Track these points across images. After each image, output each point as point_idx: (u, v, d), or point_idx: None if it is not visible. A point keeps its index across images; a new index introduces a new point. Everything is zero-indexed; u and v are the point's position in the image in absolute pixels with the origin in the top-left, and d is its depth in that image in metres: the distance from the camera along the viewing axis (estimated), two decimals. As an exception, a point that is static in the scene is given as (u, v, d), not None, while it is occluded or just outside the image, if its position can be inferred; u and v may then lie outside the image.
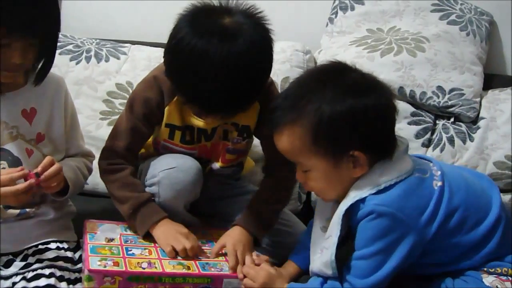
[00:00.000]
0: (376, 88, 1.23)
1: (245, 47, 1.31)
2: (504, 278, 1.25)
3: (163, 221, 1.47)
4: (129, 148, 1.55)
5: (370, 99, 1.19)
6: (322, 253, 1.29)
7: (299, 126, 1.21)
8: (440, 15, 2.14)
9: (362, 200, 1.21)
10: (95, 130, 1.98)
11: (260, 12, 1.40)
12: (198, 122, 1.53)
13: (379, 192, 1.20)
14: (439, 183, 1.24)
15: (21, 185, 1.29)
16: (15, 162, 1.40)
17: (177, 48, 1.36)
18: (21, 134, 1.42)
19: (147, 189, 1.53)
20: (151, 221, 1.47)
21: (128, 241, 1.47)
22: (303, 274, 1.43)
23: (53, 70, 1.87)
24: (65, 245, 1.46)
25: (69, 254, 1.44)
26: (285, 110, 1.24)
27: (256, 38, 1.34)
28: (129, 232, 1.52)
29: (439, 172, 1.27)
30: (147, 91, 1.51)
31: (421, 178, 1.24)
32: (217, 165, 1.63)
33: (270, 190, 1.57)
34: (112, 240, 1.46)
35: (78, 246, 1.51)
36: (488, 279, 1.24)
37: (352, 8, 2.19)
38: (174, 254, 1.41)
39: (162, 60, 1.47)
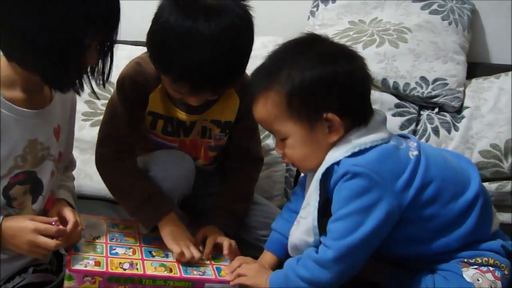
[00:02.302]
0: (347, 55, 1.26)
1: (230, 22, 1.34)
2: (485, 269, 1.24)
3: (171, 219, 1.46)
4: (127, 132, 1.53)
5: (341, 65, 1.21)
6: (299, 223, 1.30)
7: (273, 92, 1.24)
8: (421, 5, 2.14)
9: (337, 163, 1.22)
10: (77, 131, 1.93)
11: None
12: (179, 113, 1.54)
13: (354, 154, 1.21)
14: (415, 153, 1.24)
15: (53, 242, 1.23)
16: (36, 185, 1.30)
17: (163, 30, 1.36)
18: (50, 155, 1.32)
19: None
20: (160, 213, 1.46)
21: (113, 239, 1.46)
22: (281, 261, 1.42)
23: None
24: (43, 267, 1.40)
25: (46, 277, 1.39)
26: (259, 80, 1.27)
27: (240, 12, 1.37)
28: (116, 229, 1.51)
29: (415, 144, 1.27)
30: (135, 75, 1.51)
31: (396, 147, 1.24)
32: (199, 162, 1.63)
33: (239, 188, 1.62)
34: (97, 237, 1.44)
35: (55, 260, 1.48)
36: (468, 273, 1.23)
37: (333, 1, 2.19)
38: (181, 257, 1.40)
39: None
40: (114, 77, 1.93)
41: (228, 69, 1.37)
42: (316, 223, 1.24)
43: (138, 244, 1.46)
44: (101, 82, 1.29)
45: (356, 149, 1.21)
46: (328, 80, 1.20)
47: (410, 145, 1.27)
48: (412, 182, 1.20)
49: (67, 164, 1.51)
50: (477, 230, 1.25)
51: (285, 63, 1.24)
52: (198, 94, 1.42)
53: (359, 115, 1.24)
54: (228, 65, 1.36)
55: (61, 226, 1.27)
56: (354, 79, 1.23)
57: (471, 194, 1.25)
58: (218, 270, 1.41)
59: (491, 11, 2.23)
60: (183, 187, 1.53)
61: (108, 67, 1.28)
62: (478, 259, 1.24)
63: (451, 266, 1.26)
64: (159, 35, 1.38)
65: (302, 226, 1.29)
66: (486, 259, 1.24)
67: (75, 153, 1.92)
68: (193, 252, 1.40)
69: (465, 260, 1.25)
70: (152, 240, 1.48)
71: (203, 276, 1.37)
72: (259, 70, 1.29)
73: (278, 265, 1.41)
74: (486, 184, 1.86)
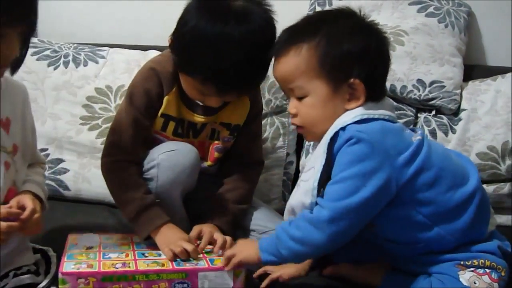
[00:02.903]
0: (379, 33, 1.31)
1: (258, 25, 1.39)
2: (482, 271, 1.24)
3: (165, 226, 1.47)
4: (133, 142, 1.54)
5: (375, 39, 1.28)
6: (299, 186, 1.31)
7: (308, 46, 1.26)
8: (418, 8, 2.14)
9: (344, 128, 1.23)
10: (75, 135, 1.96)
11: None
12: (193, 116, 1.57)
13: (361, 122, 1.23)
14: (419, 137, 1.25)
15: (4, 223, 1.23)
16: None
17: (193, 33, 1.40)
18: (2, 146, 1.33)
19: (145, 174, 1.53)
20: (154, 226, 1.46)
21: (107, 247, 1.46)
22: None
23: (31, 76, 1.84)
24: (24, 270, 1.39)
25: (26, 280, 1.37)
26: (292, 35, 1.30)
27: (265, 16, 1.43)
28: (110, 241, 1.51)
29: (419, 131, 1.29)
30: (146, 82, 1.53)
31: (402, 128, 1.28)
32: (205, 164, 1.64)
33: (239, 190, 1.63)
34: (91, 247, 1.45)
35: (38, 264, 1.47)
36: (465, 276, 1.23)
37: (330, 4, 2.18)
38: (174, 258, 1.40)
39: (144, 61, 1.53)
40: (114, 83, 1.98)
41: (255, 72, 1.42)
42: (316, 183, 1.24)
43: (131, 249, 1.46)
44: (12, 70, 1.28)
45: (364, 116, 1.23)
46: (363, 49, 1.25)
47: (413, 132, 1.29)
48: (413, 162, 1.21)
49: (33, 161, 1.50)
50: (473, 227, 1.25)
51: (321, 24, 1.27)
52: (224, 96, 1.47)
53: (378, 90, 1.28)
54: (255, 67, 1.41)
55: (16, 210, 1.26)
56: (384, 55, 1.29)
57: (469, 188, 1.25)
58: (211, 260, 1.40)
59: (487, 13, 2.23)
60: (189, 178, 1.53)
61: (23, 58, 1.27)
62: (474, 261, 1.24)
63: (447, 269, 1.25)
64: (188, 38, 1.42)
65: (302, 188, 1.29)
66: (483, 261, 1.24)
67: (74, 157, 1.94)
68: (185, 246, 1.40)
69: (462, 262, 1.25)
70: (146, 246, 1.48)
71: (197, 266, 1.37)
72: (291, 28, 1.33)
73: None
74: (483, 187, 1.86)
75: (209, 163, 1.66)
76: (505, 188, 1.88)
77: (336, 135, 1.24)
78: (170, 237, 1.45)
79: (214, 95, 1.46)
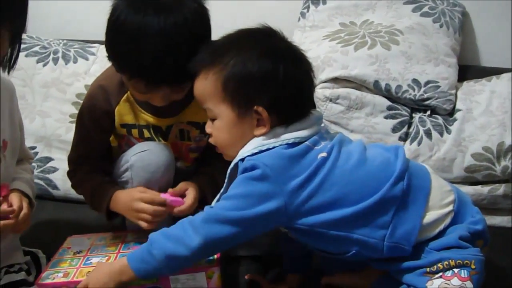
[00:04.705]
0: (294, 57, 1.28)
1: (182, 16, 1.34)
2: (449, 273, 1.19)
3: (115, 193, 1.48)
4: (103, 149, 1.57)
5: (285, 64, 1.23)
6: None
7: (214, 70, 1.26)
8: (413, 7, 2.12)
9: (243, 159, 1.24)
10: (65, 133, 1.95)
11: None
12: (150, 118, 1.54)
13: (259, 152, 1.23)
14: (324, 154, 1.23)
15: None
16: None
17: (115, 26, 1.37)
18: None
19: (120, 178, 1.53)
20: (105, 203, 1.49)
21: (95, 250, 1.46)
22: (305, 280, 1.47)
23: (19, 73, 1.82)
24: (16, 268, 1.41)
25: (18, 277, 1.39)
26: (204, 56, 1.29)
27: (193, 6, 1.37)
28: (102, 242, 1.51)
29: (328, 145, 1.26)
30: (92, 100, 1.53)
31: (309, 148, 1.25)
32: (182, 164, 1.63)
33: (221, 165, 1.55)
34: (79, 252, 1.45)
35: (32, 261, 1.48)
36: (434, 286, 1.19)
37: (324, 2, 2.18)
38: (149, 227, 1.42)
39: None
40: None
41: (182, 64, 1.34)
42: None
43: (116, 251, 1.45)
44: (6, 70, 1.27)
45: (264, 147, 1.23)
46: (267, 76, 1.23)
47: (326, 145, 1.26)
48: (308, 183, 1.20)
49: (22, 157, 1.51)
50: (398, 226, 1.21)
51: (233, 47, 1.26)
52: (155, 90, 1.41)
53: (287, 115, 1.26)
54: (181, 59, 1.34)
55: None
56: (293, 80, 1.25)
57: (379, 195, 1.21)
58: None
59: (482, 13, 2.22)
60: (164, 176, 1.51)
61: (15, 55, 1.26)
62: (439, 265, 1.20)
63: (416, 280, 1.22)
64: (111, 33, 1.39)
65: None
66: (447, 262, 1.19)
67: (63, 155, 1.92)
68: (141, 216, 1.42)
69: (427, 269, 1.21)
70: (133, 246, 1.47)
71: None
72: (207, 47, 1.31)
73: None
74: (478, 187, 1.88)
75: (184, 163, 1.64)
76: (500, 189, 1.86)
77: (236, 165, 1.26)
78: (124, 208, 1.46)
79: (144, 91, 1.41)
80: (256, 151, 1.23)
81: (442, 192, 1.28)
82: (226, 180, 1.29)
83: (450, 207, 1.26)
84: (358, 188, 1.22)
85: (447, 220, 1.25)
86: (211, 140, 1.34)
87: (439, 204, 1.26)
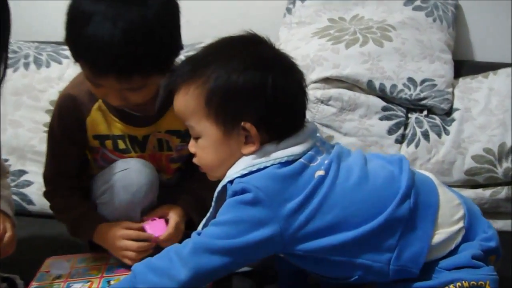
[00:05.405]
0: (283, 66, 1.18)
1: (142, 4, 1.27)
2: None
3: (98, 231, 1.44)
4: (78, 164, 1.52)
5: (273, 75, 1.14)
6: None
7: (195, 85, 1.16)
8: (404, 1, 2.04)
9: (232, 182, 1.15)
10: (39, 144, 1.88)
11: None
12: (124, 127, 1.46)
13: (249, 173, 1.13)
14: (321, 173, 1.13)
15: None
16: None
17: (69, 14, 1.32)
18: None
19: (99, 199, 1.45)
20: (86, 238, 1.47)
21: (76, 275, 1.40)
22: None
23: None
24: None
25: None
26: (185, 69, 1.20)
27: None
28: (83, 264, 1.45)
29: (326, 162, 1.16)
30: (60, 111, 1.47)
31: (304, 165, 1.14)
32: (162, 176, 1.54)
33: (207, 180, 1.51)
34: (59, 277, 1.39)
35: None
36: None
37: (311, -4, 2.08)
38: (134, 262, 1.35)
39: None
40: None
41: (132, 52, 1.26)
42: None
43: (99, 276, 1.39)
44: None
45: (255, 168, 1.13)
46: (254, 89, 1.13)
47: (323, 162, 1.16)
48: (305, 206, 1.10)
49: None
50: (405, 248, 1.12)
51: (216, 58, 1.17)
52: (103, 79, 1.30)
53: (279, 130, 1.16)
54: (131, 47, 1.25)
55: None
56: (283, 93, 1.15)
57: (383, 217, 1.11)
58: None
59: (475, 6, 2.14)
60: (147, 196, 1.43)
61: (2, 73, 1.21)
62: (451, 286, 1.11)
63: None
64: (67, 20, 1.33)
65: None
66: (460, 284, 1.11)
67: (38, 168, 1.84)
68: (125, 254, 1.39)
69: None
70: (117, 269, 1.41)
71: None
72: (187, 60, 1.22)
73: None
74: (479, 191, 1.80)
75: (165, 176, 1.55)
76: (503, 192, 1.78)
77: (225, 187, 1.17)
78: (107, 238, 1.42)
79: (90, 79, 1.33)
80: (246, 172, 1.13)
81: (451, 208, 1.19)
82: (213, 204, 1.20)
83: (461, 224, 1.17)
84: (361, 210, 1.12)
85: (458, 239, 1.16)
86: (195, 160, 1.24)
87: (448, 221, 1.17)
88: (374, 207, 1.13)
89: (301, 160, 1.14)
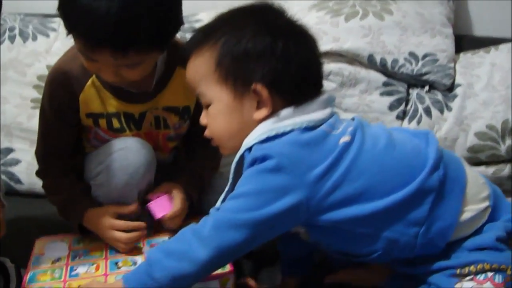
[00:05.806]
0: (297, 32, 1.16)
1: None
2: (482, 277, 1.08)
3: (86, 216, 1.39)
4: (71, 143, 1.46)
5: (286, 39, 1.11)
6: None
7: (206, 47, 1.14)
8: (403, -27, 2.00)
9: (250, 149, 1.10)
10: (26, 121, 1.84)
11: None
12: (120, 104, 1.40)
13: (269, 139, 1.08)
14: (346, 139, 1.09)
15: None
16: None
17: None
18: None
19: (94, 180, 1.41)
20: (76, 222, 1.41)
21: (76, 257, 1.35)
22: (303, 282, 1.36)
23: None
24: None
25: None
26: (196, 38, 1.19)
27: None
28: (80, 245, 1.39)
29: (350, 128, 1.12)
30: (51, 87, 1.41)
31: (325, 133, 1.10)
32: (159, 154, 1.49)
33: (208, 158, 1.50)
34: (58, 260, 1.33)
35: None
36: None
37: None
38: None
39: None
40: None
41: (129, 25, 1.20)
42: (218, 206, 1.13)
43: (103, 257, 1.34)
44: None
45: (273, 133, 1.08)
46: (264, 51, 1.10)
47: (346, 129, 1.11)
48: (332, 172, 1.06)
49: None
50: (434, 222, 1.09)
51: (227, 25, 1.15)
52: (97, 53, 1.24)
53: (292, 95, 1.12)
54: (129, 20, 1.19)
55: None
56: (294, 57, 1.12)
57: (414, 186, 1.07)
58: None
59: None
60: (145, 177, 1.39)
61: None
62: (471, 267, 1.08)
63: (443, 281, 1.10)
64: None
65: None
66: (481, 265, 1.08)
67: (26, 146, 1.80)
68: (115, 245, 1.35)
69: (457, 271, 1.09)
70: None
71: None
72: (199, 30, 1.21)
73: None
74: (482, 169, 1.77)
75: (161, 154, 1.51)
76: (505, 169, 1.77)
77: (242, 156, 1.11)
78: (95, 224, 1.38)
79: (83, 52, 1.26)
80: (264, 137, 1.08)
81: (477, 185, 1.15)
82: (231, 176, 1.14)
83: (487, 202, 1.14)
84: (390, 177, 1.08)
85: (485, 217, 1.13)
86: (207, 133, 1.19)
87: (475, 198, 1.13)
88: (404, 175, 1.08)
89: (322, 127, 1.10)
